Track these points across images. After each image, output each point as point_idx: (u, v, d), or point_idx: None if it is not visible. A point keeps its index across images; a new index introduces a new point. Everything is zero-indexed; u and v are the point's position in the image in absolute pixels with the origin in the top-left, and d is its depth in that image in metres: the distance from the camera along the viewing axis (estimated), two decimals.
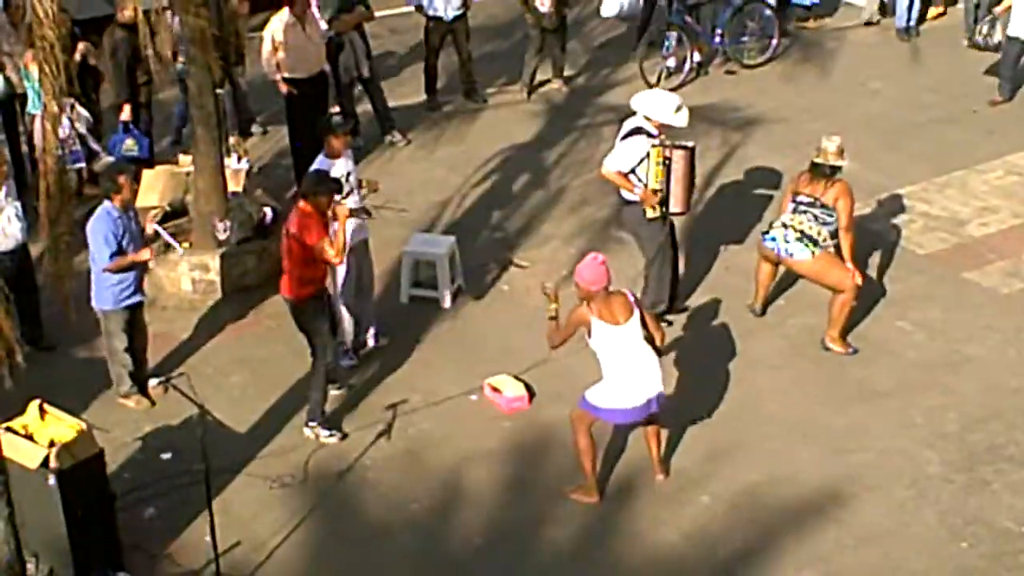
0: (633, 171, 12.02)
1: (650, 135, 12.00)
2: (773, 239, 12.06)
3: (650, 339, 10.13)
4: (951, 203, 14.66)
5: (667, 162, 11.97)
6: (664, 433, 10.75)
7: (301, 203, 10.79)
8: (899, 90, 17.71)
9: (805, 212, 11.94)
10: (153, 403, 11.62)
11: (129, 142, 15.18)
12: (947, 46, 19.16)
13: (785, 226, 12.00)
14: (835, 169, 11.93)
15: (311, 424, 11.24)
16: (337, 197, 10.94)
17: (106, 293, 11.22)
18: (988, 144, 15.90)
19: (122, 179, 11.08)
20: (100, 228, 11.00)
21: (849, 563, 9.76)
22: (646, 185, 11.98)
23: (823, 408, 11.36)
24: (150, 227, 11.57)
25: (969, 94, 17.36)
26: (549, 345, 10.40)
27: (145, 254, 11.24)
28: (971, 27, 19.13)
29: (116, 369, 11.54)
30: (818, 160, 11.96)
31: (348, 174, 11.75)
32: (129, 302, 11.32)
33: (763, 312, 12.62)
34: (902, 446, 10.91)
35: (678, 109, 12.04)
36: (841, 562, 9.77)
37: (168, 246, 12.07)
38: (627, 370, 10.01)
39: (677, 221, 12.64)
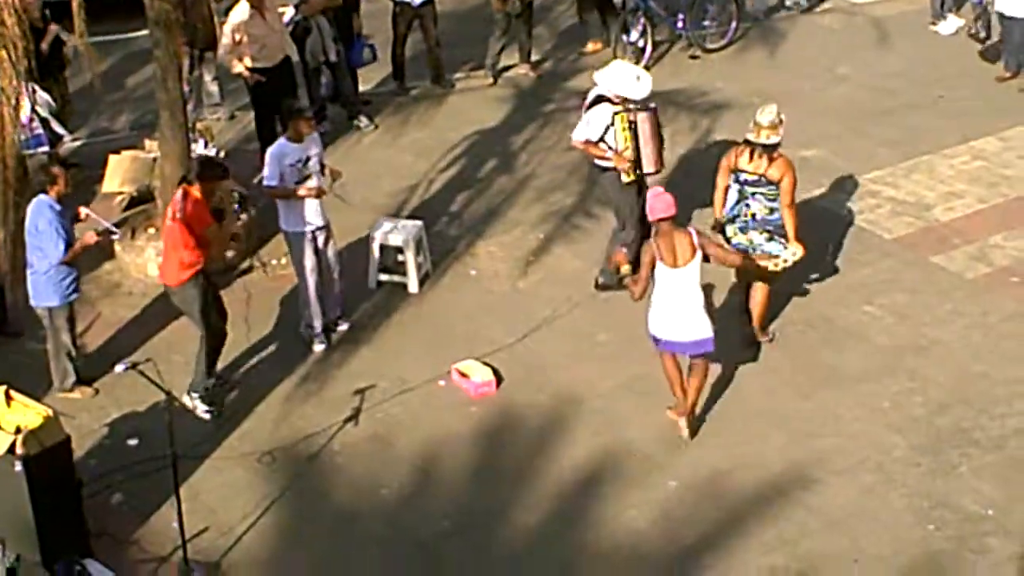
0: (603, 139, 12.39)
1: (612, 102, 12.37)
2: (742, 246, 11.73)
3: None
4: (918, 188, 14.71)
5: (632, 125, 12.32)
6: (707, 377, 11.03)
7: (187, 187, 10.92)
8: (866, 75, 17.75)
9: (753, 195, 11.66)
10: (96, 391, 11.58)
11: (367, 52, 16.74)
12: (914, 32, 19.21)
13: (744, 229, 11.74)
14: (770, 147, 11.55)
15: (192, 394, 11.32)
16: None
17: (53, 290, 11.13)
18: (954, 129, 15.96)
19: (56, 170, 11.03)
20: (47, 220, 10.89)
21: (816, 547, 9.79)
22: (616, 151, 12.34)
23: (790, 393, 11.40)
24: (82, 212, 11.50)
25: (936, 80, 17.42)
26: (634, 297, 10.82)
27: (91, 237, 11.21)
28: (937, 12, 19.21)
29: (63, 364, 11.47)
30: (751, 136, 11.56)
31: (309, 158, 11.76)
32: (74, 296, 11.30)
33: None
34: (869, 430, 10.96)
35: (638, 79, 12.38)
36: (808, 546, 9.80)
37: (106, 229, 11.86)
38: (677, 307, 10.52)
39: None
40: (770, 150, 11.57)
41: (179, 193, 10.98)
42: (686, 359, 10.87)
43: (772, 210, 11.65)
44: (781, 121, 11.55)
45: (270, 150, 11.76)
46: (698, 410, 11.14)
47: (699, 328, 10.58)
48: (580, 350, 12.09)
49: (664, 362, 10.83)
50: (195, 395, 11.33)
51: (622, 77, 12.41)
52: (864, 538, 9.85)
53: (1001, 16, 17.27)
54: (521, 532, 10.06)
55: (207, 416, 11.27)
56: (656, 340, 10.75)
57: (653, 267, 10.51)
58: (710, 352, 10.73)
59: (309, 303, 12.05)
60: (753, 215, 11.70)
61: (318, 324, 12.14)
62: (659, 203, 10.54)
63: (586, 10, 18.92)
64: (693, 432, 10.94)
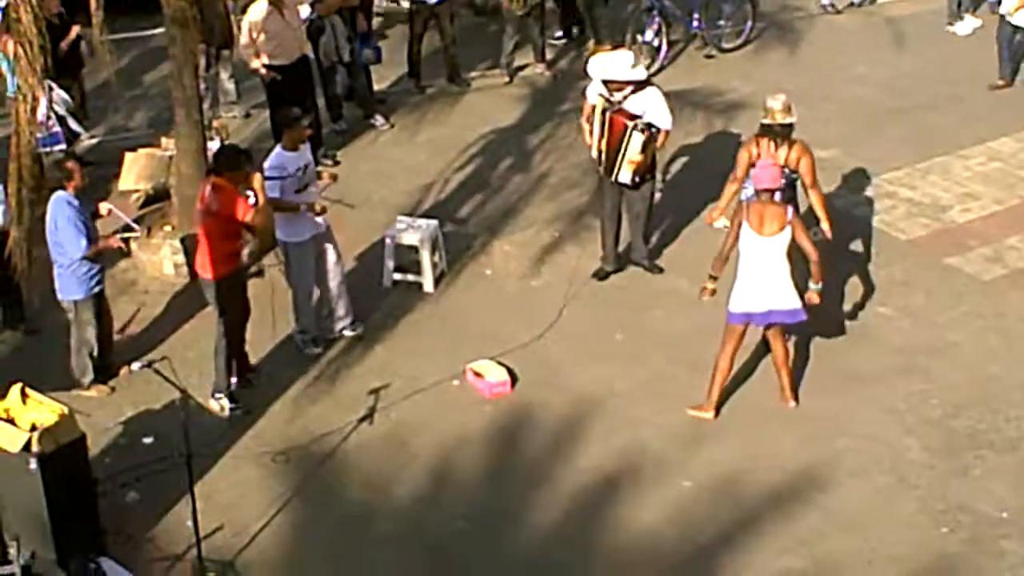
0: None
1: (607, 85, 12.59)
2: None
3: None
4: (934, 189, 14.69)
5: (602, 120, 12.49)
6: (789, 358, 11.28)
7: (216, 180, 10.94)
8: (883, 76, 17.72)
9: None
10: (112, 389, 11.60)
11: (368, 52, 16.31)
12: (931, 32, 19.17)
13: None
14: (787, 128, 11.79)
15: (216, 396, 11.34)
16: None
17: (76, 284, 11.17)
18: (970, 130, 15.93)
19: (71, 165, 11.09)
20: (67, 217, 10.92)
21: (830, 548, 9.78)
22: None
23: (805, 394, 11.37)
24: (104, 207, 11.57)
25: (952, 80, 17.38)
26: (718, 260, 11.06)
27: (115, 242, 11.44)
28: (954, 12, 19.17)
29: (83, 360, 11.49)
30: (766, 121, 11.82)
31: (307, 165, 11.77)
32: (98, 289, 11.33)
33: None
34: (884, 432, 10.94)
35: (602, 63, 12.66)
36: (822, 547, 9.79)
37: (127, 227, 12.05)
38: (757, 275, 10.70)
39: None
40: (788, 132, 11.76)
41: (208, 187, 11.00)
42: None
43: (791, 199, 11.80)
44: (792, 105, 11.83)
45: (268, 162, 11.63)
46: (724, 409, 11.21)
47: (787, 298, 10.77)
48: (596, 350, 12.08)
49: (724, 352, 10.92)
50: (219, 395, 11.35)
51: (599, 61, 12.75)
52: (878, 540, 9.84)
53: (1015, 28, 17.08)
54: (536, 532, 10.06)
55: (237, 414, 11.29)
56: (734, 315, 10.84)
57: (738, 230, 10.72)
58: (801, 321, 10.96)
59: (307, 312, 12.07)
60: None
61: (315, 330, 12.15)
62: (766, 174, 10.79)
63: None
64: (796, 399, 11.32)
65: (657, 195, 13.39)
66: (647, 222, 13.08)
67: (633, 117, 12.37)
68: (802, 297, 10.85)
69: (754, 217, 10.67)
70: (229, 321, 11.26)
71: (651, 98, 12.58)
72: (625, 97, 12.50)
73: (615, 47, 17.89)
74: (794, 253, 10.79)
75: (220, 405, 11.32)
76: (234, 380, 11.46)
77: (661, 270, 13.19)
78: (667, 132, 12.70)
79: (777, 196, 11.11)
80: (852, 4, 20.25)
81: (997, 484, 10.34)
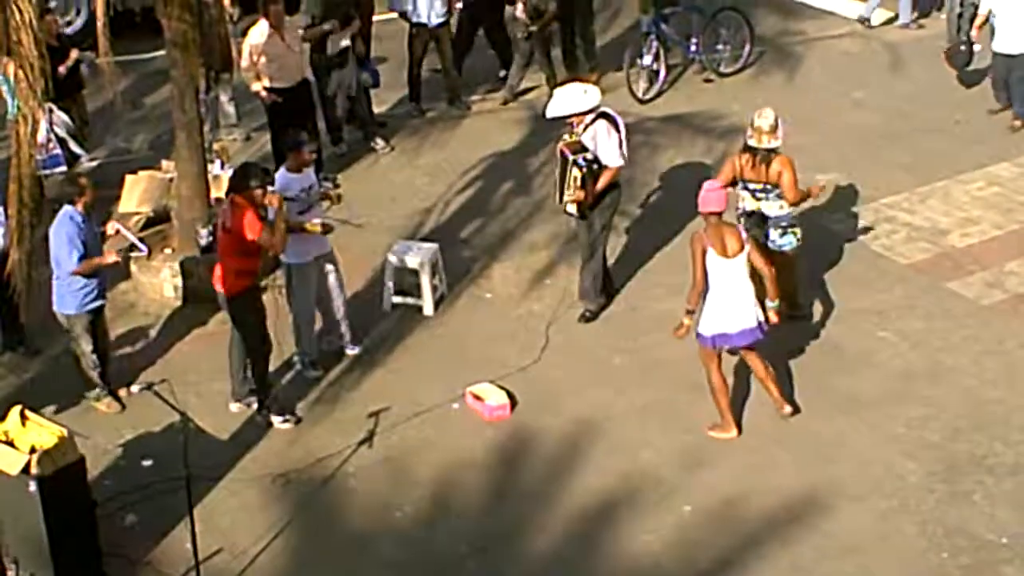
0: None
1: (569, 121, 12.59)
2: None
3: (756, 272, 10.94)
4: (933, 213, 14.68)
5: (556, 150, 12.62)
6: (767, 366, 11.23)
7: (235, 197, 11.00)
8: (882, 100, 17.73)
9: (764, 200, 12.01)
10: (123, 407, 11.61)
11: (364, 76, 16.34)
12: (930, 56, 19.17)
13: (759, 225, 12.09)
14: (771, 151, 11.90)
15: (263, 412, 11.41)
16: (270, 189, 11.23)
17: (70, 298, 11.24)
18: (970, 155, 15.93)
19: (83, 181, 11.23)
20: (64, 232, 11.04)
21: (829, 573, 9.76)
22: None
23: (805, 417, 11.36)
24: (111, 227, 11.61)
25: (951, 104, 17.39)
26: (694, 292, 10.91)
27: (110, 257, 11.35)
28: (954, 37, 19.18)
29: (87, 374, 11.53)
30: (752, 143, 11.93)
31: (310, 187, 11.81)
32: (92, 306, 11.35)
33: None
34: (883, 456, 10.93)
35: (553, 101, 12.84)
36: (821, 572, 9.78)
37: (132, 246, 12.12)
38: (727, 298, 10.77)
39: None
40: (771, 154, 11.89)
41: (227, 203, 11.11)
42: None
43: (783, 206, 12.02)
44: (779, 124, 11.91)
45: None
46: (705, 436, 11.18)
47: (748, 317, 10.81)
48: (595, 374, 12.08)
49: (711, 372, 10.97)
50: (266, 412, 11.40)
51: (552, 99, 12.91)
52: (878, 565, 9.82)
53: (997, 54, 16.92)
54: (536, 556, 10.05)
55: (286, 427, 11.36)
56: (706, 338, 10.89)
57: (702, 255, 10.74)
58: (760, 340, 10.95)
59: (308, 334, 12.07)
60: (765, 217, 12.12)
61: (315, 353, 12.16)
62: (712, 196, 10.85)
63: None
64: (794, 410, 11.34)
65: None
66: (591, 258, 12.78)
67: (578, 151, 12.29)
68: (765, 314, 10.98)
69: (716, 241, 10.74)
70: (251, 337, 11.32)
71: (598, 132, 12.44)
72: (584, 129, 12.44)
73: (598, 76, 17.90)
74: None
75: (267, 421, 11.42)
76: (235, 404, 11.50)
77: (594, 315, 12.99)
78: (613, 169, 12.48)
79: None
80: (864, 21, 20.30)
81: (998, 509, 10.32)
